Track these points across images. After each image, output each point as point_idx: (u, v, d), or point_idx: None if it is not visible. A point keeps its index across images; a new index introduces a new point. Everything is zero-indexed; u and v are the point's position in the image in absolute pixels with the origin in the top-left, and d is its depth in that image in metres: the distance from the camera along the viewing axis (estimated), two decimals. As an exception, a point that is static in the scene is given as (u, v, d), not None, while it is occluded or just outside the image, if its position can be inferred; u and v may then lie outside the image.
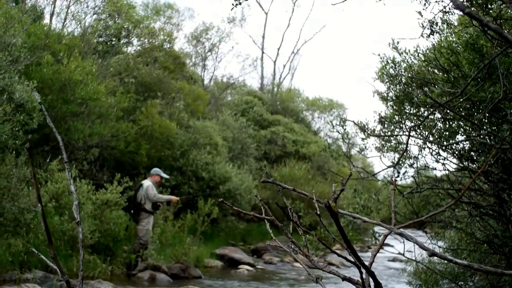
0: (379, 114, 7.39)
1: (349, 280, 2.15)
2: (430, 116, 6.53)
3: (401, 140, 7.33)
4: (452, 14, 6.24)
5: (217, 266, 16.77)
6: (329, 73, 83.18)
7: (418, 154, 7.04)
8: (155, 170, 15.07)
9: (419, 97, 6.71)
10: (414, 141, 6.98)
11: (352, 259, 2.00)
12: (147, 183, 14.48)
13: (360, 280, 2.11)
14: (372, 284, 2.08)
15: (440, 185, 7.65)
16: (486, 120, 5.89)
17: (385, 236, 2.30)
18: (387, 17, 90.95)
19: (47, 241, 2.03)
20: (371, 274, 2.02)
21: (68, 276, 2.06)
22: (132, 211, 14.46)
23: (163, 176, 15.08)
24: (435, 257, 9.40)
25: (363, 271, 2.05)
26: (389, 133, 7.37)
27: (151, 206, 14.34)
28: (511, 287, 7.06)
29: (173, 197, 15.06)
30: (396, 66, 7.03)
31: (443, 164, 7.19)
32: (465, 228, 7.76)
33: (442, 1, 6.04)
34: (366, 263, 2.05)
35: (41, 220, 1.96)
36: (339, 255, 2.12)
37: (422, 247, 1.76)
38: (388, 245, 16.38)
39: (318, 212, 2.01)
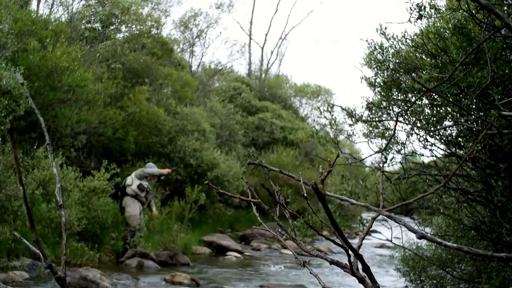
0: (367, 100, 7.38)
1: (337, 263, 2.14)
2: (417, 102, 6.52)
3: (389, 126, 7.32)
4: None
5: (205, 253, 16.78)
6: (317, 59, 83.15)
7: (406, 140, 7.03)
8: (150, 165, 15.23)
9: (406, 82, 6.70)
10: (402, 127, 6.98)
11: (339, 242, 1.99)
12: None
13: (348, 264, 2.10)
14: (360, 267, 2.07)
15: (427, 171, 7.66)
16: (473, 106, 5.88)
17: (373, 219, 2.29)
18: (375, 1, 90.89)
19: (29, 225, 2.00)
20: (358, 256, 2.00)
21: (55, 264, 2.04)
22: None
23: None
24: (423, 243, 9.43)
25: (351, 254, 2.03)
26: (377, 119, 7.36)
27: (136, 187, 14.37)
28: (498, 273, 7.09)
29: (165, 170, 15.14)
30: (384, 52, 7.00)
31: (431, 150, 7.20)
32: (452, 214, 7.77)
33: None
34: (354, 247, 2.04)
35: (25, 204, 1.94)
36: (326, 238, 2.10)
37: (410, 229, 1.74)
38: (375, 231, 16.41)
39: (305, 195, 1.99)
